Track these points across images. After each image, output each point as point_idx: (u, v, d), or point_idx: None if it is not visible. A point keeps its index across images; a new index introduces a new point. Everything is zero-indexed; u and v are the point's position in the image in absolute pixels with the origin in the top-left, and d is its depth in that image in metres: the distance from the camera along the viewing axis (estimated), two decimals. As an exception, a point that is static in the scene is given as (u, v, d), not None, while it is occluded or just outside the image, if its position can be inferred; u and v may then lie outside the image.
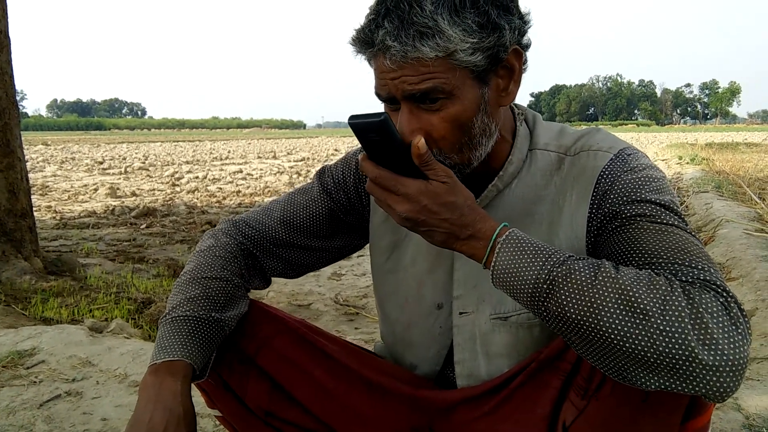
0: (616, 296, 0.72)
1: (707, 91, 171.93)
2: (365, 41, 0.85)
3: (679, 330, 0.69)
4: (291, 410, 1.09)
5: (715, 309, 0.70)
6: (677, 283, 0.73)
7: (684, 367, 0.69)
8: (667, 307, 0.70)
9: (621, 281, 0.73)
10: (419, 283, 1.07)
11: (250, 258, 1.10)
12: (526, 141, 1.00)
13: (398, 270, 1.10)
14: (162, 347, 0.94)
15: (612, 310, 0.72)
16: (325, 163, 1.20)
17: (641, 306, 0.71)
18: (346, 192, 1.13)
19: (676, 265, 0.77)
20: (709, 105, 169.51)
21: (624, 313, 0.71)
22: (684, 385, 0.70)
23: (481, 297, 1.00)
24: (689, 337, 0.68)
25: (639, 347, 0.70)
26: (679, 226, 0.83)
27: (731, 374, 0.68)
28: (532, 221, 0.97)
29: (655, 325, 0.70)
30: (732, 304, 0.72)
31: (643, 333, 0.70)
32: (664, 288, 0.72)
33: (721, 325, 0.69)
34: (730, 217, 4.74)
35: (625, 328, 0.71)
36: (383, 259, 1.13)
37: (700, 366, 0.68)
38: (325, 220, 1.13)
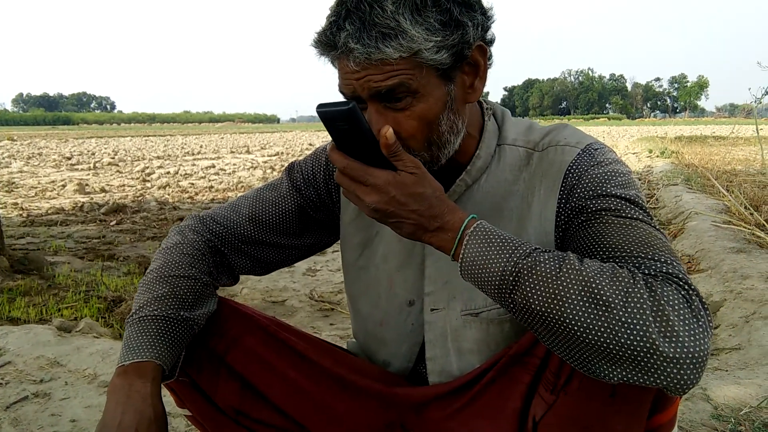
0: (580, 288, 0.73)
1: (676, 85, 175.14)
2: (327, 44, 0.84)
3: (641, 322, 0.69)
4: (262, 410, 1.08)
5: (676, 301, 0.71)
6: (640, 275, 0.74)
7: (645, 359, 0.69)
8: (629, 299, 0.71)
9: (584, 273, 0.74)
10: (390, 280, 1.07)
11: (218, 255, 1.08)
12: (494, 136, 1.00)
13: (369, 267, 1.10)
14: (130, 348, 0.92)
15: (575, 302, 0.72)
16: (298, 158, 1.18)
17: (604, 298, 0.71)
18: (315, 188, 1.11)
19: (639, 258, 0.78)
20: (679, 99, 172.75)
21: (587, 304, 0.72)
22: (645, 377, 0.71)
23: (452, 293, 1.00)
24: (650, 329, 0.69)
25: (601, 339, 0.71)
26: (643, 220, 0.84)
27: (692, 367, 0.69)
28: (501, 216, 0.98)
29: (617, 317, 0.70)
30: (693, 297, 0.73)
31: (606, 325, 0.70)
32: (626, 280, 0.72)
33: (682, 317, 0.70)
34: (699, 210, 4.83)
35: (588, 320, 0.71)
36: (355, 257, 1.12)
37: (661, 358, 0.69)
38: (295, 217, 1.11)
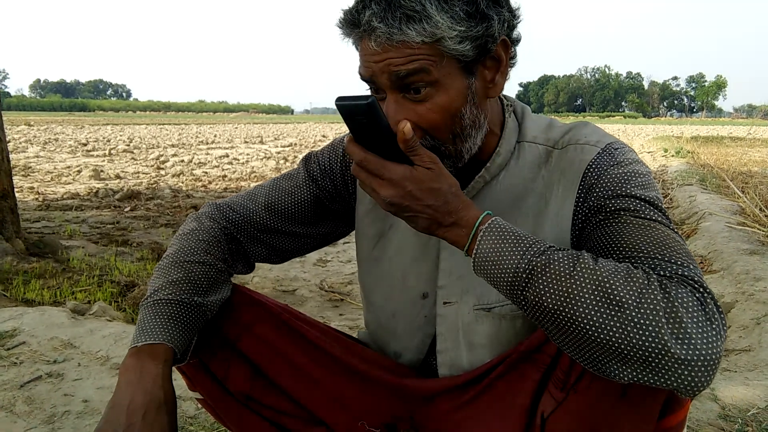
0: (593, 287, 0.73)
1: (694, 85, 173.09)
2: (351, 22, 0.85)
3: (654, 323, 0.69)
4: (272, 395, 1.09)
5: (690, 304, 0.71)
6: (654, 276, 0.74)
7: (656, 360, 0.69)
8: (643, 300, 0.71)
9: (599, 272, 0.74)
10: (405, 272, 1.07)
11: (234, 243, 1.10)
12: (514, 133, 1.00)
13: (384, 259, 1.10)
14: (143, 330, 0.93)
15: (588, 301, 0.72)
16: (312, 149, 1.19)
17: (617, 297, 0.71)
18: (332, 179, 1.12)
19: (655, 260, 0.78)
20: (696, 98, 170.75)
21: (600, 304, 0.72)
22: (656, 378, 0.71)
23: (465, 288, 1.01)
24: (663, 331, 0.69)
25: (613, 338, 0.71)
26: (661, 221, 0.83)
27: (703, 369, 0.69)
28: (519, 213, 0.98)
29: (629, 317, 0.70)
30: (708, 300, 0.72)
31: (618, 324, 0.71)
32: (641, 281, 0.72)
33: (695, 320, 0.70)
34: (713, 210, 4.79)
35: (601, 319, 0.71)
36: (369, 248, 1.12)
37: (672, 360, 0.69)
38: (311, 207, 1.12)
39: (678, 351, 0.68)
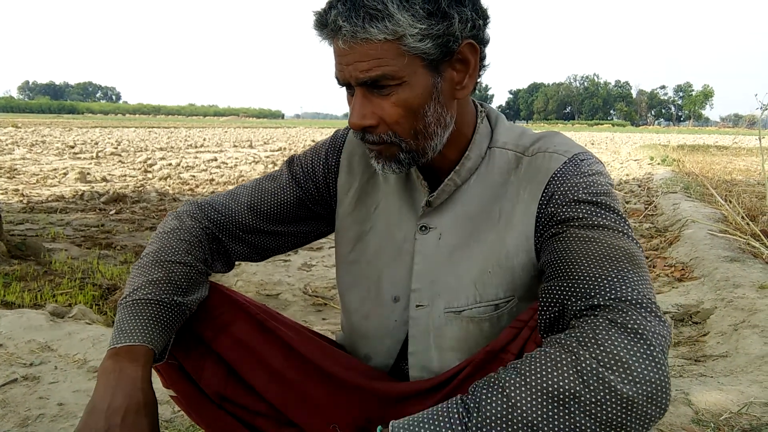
0: (539, 395, 0.69)
1: (681, 94, 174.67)
2: (321, 22, 0.88)
3: (606, 390, 0.68)
4: (246, 396, 1.09)
5: (622, 351, 0.69)
6: (581, 352, 0.71)
7: (619, 418, 0.68)
8: (585, 380, 0.69)
9: (531, 379, 0.70)
10: (379, 275, 1.08)
11: (215, 242, 1.10)
12: (486, 138, 1.02)
13: (361, 261, 1.11)
14: (122, 331, 0.92)
15: (537, 408, 0.69)
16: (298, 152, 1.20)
17: (559, 393, 0.69)
18: (314, 182, 1.13)
19: (592, 285, 0.78)
20: (683, 107, 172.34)
21: (546, 404, 0.69)
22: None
23: (436, 291, 1.02)
24: (615, 385, 0.68)
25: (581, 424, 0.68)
26: (609, 226, 0.85)
27: (649, 402, 0.68)
28: (488, 217, 0.99)
29: (584, 404, 0.68)
30: (643, 328, 0.71)
31: (573, 416, 0.68)
32: (570, 368, 0.70)
33: (634, 357, 0.69)
34: (696, 218, 4.84)
35: (554, 418, 0.68)
36: (347, 250, 1.13)
37: (625, 400, 0.67)
38: (293, 208, 1.13)
39: (627, 390, 0.67)
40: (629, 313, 0.74)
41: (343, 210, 1.13)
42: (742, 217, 4.54)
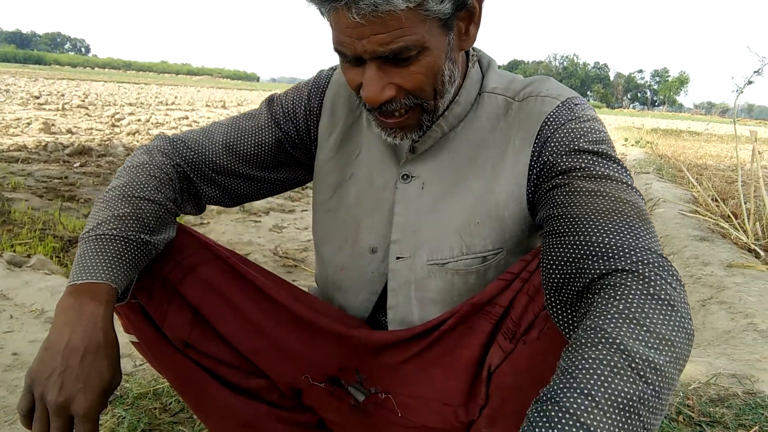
0: (611, 411, 0.59)
1: (658, 79, 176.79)
2: None
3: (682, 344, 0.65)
4: (212, 344, 1.03)
5: (664, 327, 0.65)
6: (628, 352, 0.62)
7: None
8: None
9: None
10: (358, 224, 1.03)
11: (186, 182, 1.03)
12: (476, 84, 0.97)
13: (339, 209, 1.05)
14: (84, 267, 0.85)
15: (616, 426, 0.59)
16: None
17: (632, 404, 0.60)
18: (295, 124, 1.06)
19: (608, 242, 0.73)
20: (659, 92, 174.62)
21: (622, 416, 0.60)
22: None
23: (419, 243, 0.97)
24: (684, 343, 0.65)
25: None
26: (613, 177, 0.81)
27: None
28: (475, 165, 0.94)
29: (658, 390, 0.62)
30: (672, 298, 0.67)
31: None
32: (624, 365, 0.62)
33: (675, 335, 0.65)
34: (668, 198, 4.89)
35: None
36: (326, 198, 1.07)
37: (674, 384, 0.64)
38: (271, 151, 1.06)
39: (673, 371, 0.63)
40: (656, 280, 0.68)
41: (323, 155, 1.06)
42: (713, 199, 4.61)
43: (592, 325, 0.65)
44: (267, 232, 3.80)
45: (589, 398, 0.58)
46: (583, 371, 0.61)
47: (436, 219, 0.95)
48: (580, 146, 0.84)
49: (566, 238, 0.77)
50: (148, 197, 0.94)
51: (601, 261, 0.72)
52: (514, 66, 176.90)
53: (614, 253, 0.72)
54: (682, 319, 0.66)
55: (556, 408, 0.58)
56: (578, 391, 0.59)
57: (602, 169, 0.81)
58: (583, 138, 0.85)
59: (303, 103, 1.07)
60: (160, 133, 1.02)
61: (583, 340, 0.64)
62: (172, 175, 1.00)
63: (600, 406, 0.58)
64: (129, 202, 0.93)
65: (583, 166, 0.82)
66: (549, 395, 0.60)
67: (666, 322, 0.65)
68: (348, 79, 0.87)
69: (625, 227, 0.74)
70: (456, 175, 0.95)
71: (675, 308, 0.66)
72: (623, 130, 17.72)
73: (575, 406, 0.58)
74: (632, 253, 0.71)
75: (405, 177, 0.98)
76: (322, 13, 0.81)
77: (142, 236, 0.91)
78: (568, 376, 0.61)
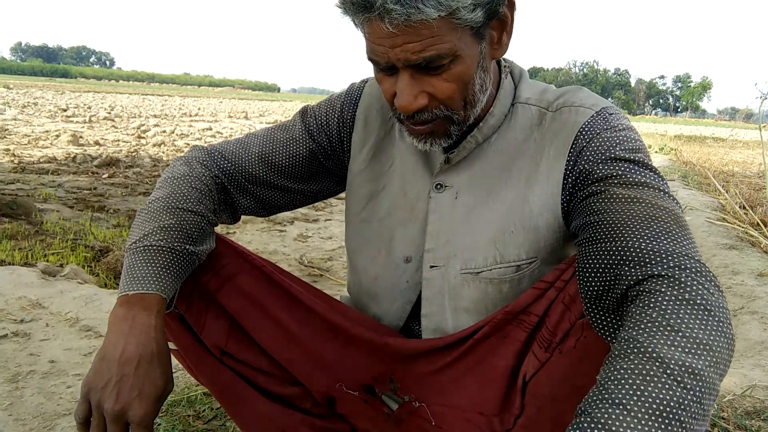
0: (650, 420, 0.58)
1: (680, 84, 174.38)
2: (362, 5, 0.78)
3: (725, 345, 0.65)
4: (249, 351, 1.05)
5: (700, 331, 0.64)
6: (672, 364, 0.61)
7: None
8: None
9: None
10: (391, 234, 1.04)
11: (224, 193, 1.05)
12: (509, 95, 0.98)
13: (372, 220, 1.07)
14: (134, 277, 0.87)
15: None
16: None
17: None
18: (328, 135, 1.08)
19: (645, 248, 0.73)
20: (681, 98, 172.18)
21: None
22: None
23: (452, 251, 0.98)
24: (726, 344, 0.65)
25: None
26: (649, 184, 0.81)
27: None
28: (509, 176, 0.95)
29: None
30: (709, 303, 0.67)
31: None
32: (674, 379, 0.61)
33: (712, 339, 0.64)
34: (694, 206, 4.83)
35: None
36: (359, 208, 1.09)
37: (716, 390, 0.63)
38: (305, 162, 1.08)
39: (713, 375, 0.62)
40: (693, 285, 0.68)
41: (357, 166, 1.08)
42: (741, 206, 4.53)
43: (626, 336, 0.65)
44: (292, 242, 3.83)
45: (621, 407, 0.58)
46: (615, 382, 0.61)
47: (469, 228, 0.96)
48: (616, 154, 0.85)
49: (603, 245, 0.77)
50: (191, 209, 0.97)
51: (638, 267, 0.72)
52: (534, 74, 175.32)
53: (651, 259, 0.72)
54: (720, 323, 0.65)
55: (588, 420, 0.58)
56: (609, 401, 0.59)
57: (638, 177, 0.82)
58: (619, 146, 0.86)
59: (336, 115, 1.08)
60: (194, 145, 1.04)
61: (617, 352, 0.64)
62: (211, 187, 1.02)
63: (633, 414, 0.58)
64: (173, 214, 0.95)
65: (619, 173, 0.82)
66: (583, 408, 0.61)
67: (703, 327, 0.64)
68: (383, 90, 0.89)
69: (662, 233, 0.74)
70: (489, 185, 0.96)
71: (712, 312, 0.66)
72: (646, 136, 17.52)
73: (606, 416, 0.58)
74: (669, 258, 0.71)
75: (438, 187, 0.99)
76: (356, 24, 0.84)
77: (187, 247, 0.93)
78: (601, 389, 0.61)
